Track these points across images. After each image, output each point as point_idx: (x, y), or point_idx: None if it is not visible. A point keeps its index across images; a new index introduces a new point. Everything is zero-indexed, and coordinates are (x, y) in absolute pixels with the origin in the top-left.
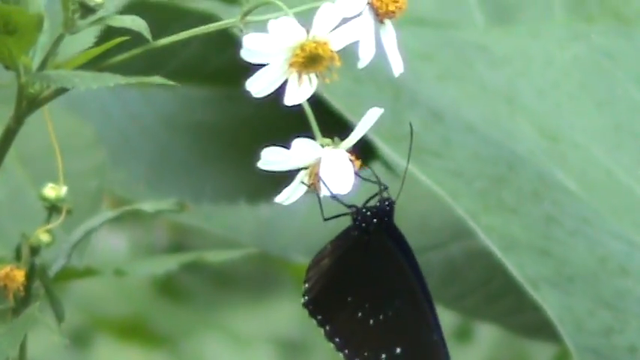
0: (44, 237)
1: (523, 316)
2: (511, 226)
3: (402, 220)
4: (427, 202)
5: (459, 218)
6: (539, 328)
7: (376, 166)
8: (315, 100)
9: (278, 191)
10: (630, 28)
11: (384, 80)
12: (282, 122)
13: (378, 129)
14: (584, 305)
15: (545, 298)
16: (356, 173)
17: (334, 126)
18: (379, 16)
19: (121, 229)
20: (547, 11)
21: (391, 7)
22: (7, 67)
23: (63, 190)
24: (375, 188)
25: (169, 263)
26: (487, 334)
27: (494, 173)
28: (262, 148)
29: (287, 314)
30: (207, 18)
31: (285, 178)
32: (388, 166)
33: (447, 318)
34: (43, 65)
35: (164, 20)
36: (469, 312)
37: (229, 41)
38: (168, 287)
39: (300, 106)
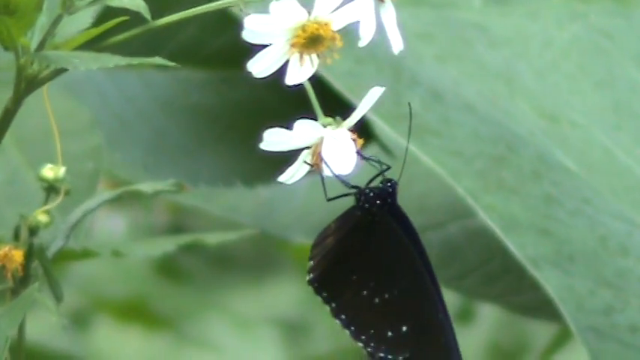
0: (42, 217)
1: (522, 296)
2: (511, 206)
3: (401, 199)
4: (426, 182)
5: (458, 198)
6: (539, 307)
7: (373, 148)
8: (315, 81)
9: (275, 173)
10: (628, 7)
11: (384, 60)
12: (279, 105)
13: (378, 109)
14: (585, 284)
15: (545, 278)
16: (358, 153)
17: (334, 106)
18: None
19: (121, 211)
20: None
21: None
22: (5, 48)
23: (61, 170)
24: (376, 169)
25: (167, 245)
26: (489, 314)
27: (495, 153)
28: (260, 130)
29: (287, 295)
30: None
31: (282, 161)
32: (385, 147)
33: (448, 299)
34: (41, 46)
35: (163, 1)
36: (468, 292)
37: (227, 24)
38: (168, 268)
39: (298, 87)
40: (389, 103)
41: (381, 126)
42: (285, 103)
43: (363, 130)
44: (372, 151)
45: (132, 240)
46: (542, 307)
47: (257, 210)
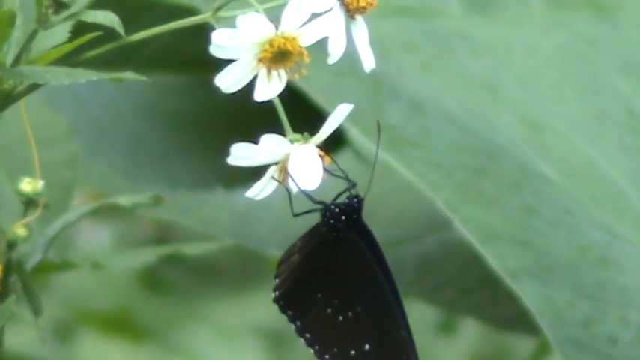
0: (21, 231)
1: (498, 308)
2: (490, 218)
3: (377, 212)
4: (402, 195)
5: (434, 210)
6: (515, 319)
7: (347, 156)
8: (294, 93)
9: (255, 178)
10: (612, 16)
11: (364, 72)
12: (257, 109)
13: (358, 121)
14: (564, 296)
15: (524, 290)
16: (325, 169)
17: (315, 118)
18: (350, 11)
19: (104, 223)
20: (525, 2)
21: (362, 3)
22: None
23: (39, 184)
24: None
25: (147, 256)
26: (471, 326)
27: (474, 164)
28: (238, 135)
29: (270, 305)
30: (178, 10)
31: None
32: (360, 155)
33: (429, 311)
34: (17, 61)
35: (136, 12)
36: (444, 304)
37: (202, 29)
38: (152, 280)
39: (268, 102)
40: (368, 114)
41: (354, 133)
42: (264, 107)
43: (337, 136)
44: (346, 158)
45: (115, 252)
46: (519, 319)
47: (234, 223)
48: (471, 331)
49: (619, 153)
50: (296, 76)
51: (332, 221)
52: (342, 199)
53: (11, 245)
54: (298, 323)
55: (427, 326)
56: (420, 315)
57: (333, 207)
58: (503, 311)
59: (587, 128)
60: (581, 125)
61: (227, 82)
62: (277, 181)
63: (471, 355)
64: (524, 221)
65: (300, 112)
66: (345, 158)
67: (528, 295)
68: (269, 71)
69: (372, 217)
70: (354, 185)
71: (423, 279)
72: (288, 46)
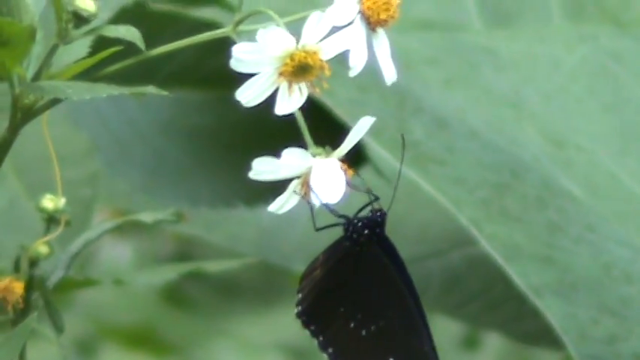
0: (43, 249)
1: (524, 324)
2: (514, 235)
3: (403, 228)
4: (428, 210)
5: (459, 226)
6: (541, 335)
7: (368, 172)
8: (315, 107)
9: (276, 194)
10: (637, 29)
11: (388, 88)
12: (279, 124)
13: (380, 136)
14: (588, 313)
15: (548, 307)
16: (347, 183)
17: (336, 132)
18: (371, 24)
19: (126, 239)
20: (545, 17)
21: (383, 16)
22: (0, 79)
23: (61, 201)
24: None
25: (169, 273)
26: (494, 342)
27: (498, 181)
28: (259, 151)
29: (294, 321)
30: (200, 24)
31: (283, 181)
32: (380, 171)
33: (453, 326)
34: (37, 76)
35: (158, 26)
36: (470, 319)
37: (224, 44)
38: (175, 296)
39: (289, 116)
40: (391, 129)
41: (376, 148)
42: (286, 121)
43: (356, 153)
44: (366, 173)
45: (137, 268)
46: (544, 334)
47: (258, 238)
48: (495, 346)
49: None
50: (317, 89)
51: (355, 235)
52: (365, 213)
53: (33, 262)
54: (321, 338)
55: (452, 341)
56: (444, 330)
57: (355, 221)
58: (529, 327)
59: (612, 144)
60: (606, 141)
61: (248, 96)
62: (299, 195)
63: None
64: (548, 238)
65: (322, 127)
66: (365, 174)
67: (552, 311)
68: (290, 85)
69: (397, 233)
70: (376, 199)
71: (448, 294)
72: (309, 60)
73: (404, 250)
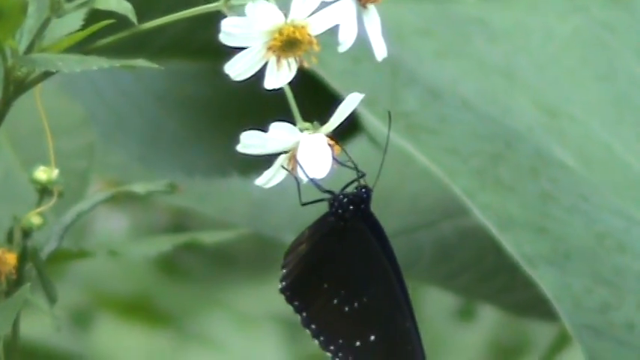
0: (35, 220)
1: (516, 294)
2: (508, 204)
3: (394, 198)
4: (419, 182)
5: (450, 196)
6: (532, 305)
7: (363, 141)
8: (308, 80)
9: (270, 164)
10: (628, 0)
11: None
12: (273, 95)
13: (374, 107)
14: (582, 282)
15: (542, 276)
16: (334, 158)
17: (329, 105)
18: (361, 0)
19: (121, 210)
20: None
21: None
22: None
23: (54, 172)
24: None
25: (164, 244)
26: (489, 313)
27: (491, 150)
28: (254, 121)
29: None
30: None
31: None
32: (375, 141)
33: (447, 298)
34: (29, 49)
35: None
36: (462, 291)
37: (216, 16)
38: (170, 266)
39: (278, 90)
40: (384, 100)
41: (370, 119)
42: (279, 93)
43: (352, 122)
44: (361, 143)
45: (131, 239)
46: (536, 305)
47: (250, 210)
48: (488, 317)
49: (637, 139)
50: (306, 64)
51: (340, 211)
52: (352, 189)
53: (26, 233)
54: (304, 314)
55: (445, 313)
56: (437, 302)
57: (341, 197)
58: (522, 297)
59: (605, 114)
60: (599, 111)
61: (237, 70)
62: (287, 169)
63: (489, 342)
64: (541, 208)
65: (314, 100)
66: (360, 144)
67: (546, 281)
68: (279, 59)
69: (389, 204)
70: (362, 175)
71: (440, 265)
72: (298, 35)
73: (396, 222)
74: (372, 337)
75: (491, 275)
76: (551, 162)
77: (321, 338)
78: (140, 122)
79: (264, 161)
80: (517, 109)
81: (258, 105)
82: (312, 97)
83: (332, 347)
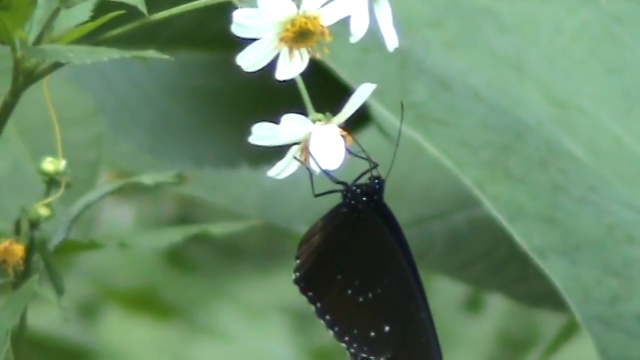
0: (43, 211)
1: (528, 285)
2: (517, 195)
3: (406, 189)
4: (431, 172)
5: (462, 188)
6: (544, 296)
7: (373, 132)
8: (319, 71)
9: (281, 156)
10: None
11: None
12: (284, 86)
13: (383, 98)
14: (591, 274)
15: (551, 268)
16: (347, 149)
17: (340, 96)
18: None
19: (128, 202)
20: None
21: None
22: (2, 42)
23: (62, 163)
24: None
25: (173, 236)
26: (498, 303)
27: (501, 142)
28: (264, 112)
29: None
30: None
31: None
32: (384, 132)
33: (457, 288)
34: (39, 39)
35: None
36: (474, 281)
37: (227, 6)
38: (178, 258)
39: (289, 81)
40: (394, 91)
41: (379, 110)
42: (290, 84)
43: (362, 113)
44: (371, 134)
45: (139, 230)
46: (547, 296)
47: (261, 201)
48: (498, 308)
49: None
50: (318, 55)
51: (353, 202)
52: (364, 180)
53: (33, 225)
54: (319, 305)
55: (455, 303)
56: (448, 292)
57: (354, 187)
58: (533, 288)
59: (614, 106)
60: (608, 103)
61: (248, 61)
62: (299, 160)
63: (499, 332)
64: (551, 199)
65: (326, 91)
66: (370, 135)
67: (555, 272)
68: (291, 50)
69: (401, 194)
70: (375, 166)
71: (451, 256)
72: (310, 26)
73: (407, 212)
74: (387, 328)
75: (502, 266)
76: (561, 153)
77: (336, 329)
78: (150, 113)
79: (275, 152)
80: (527, 101)
81: (269, 96)
82: (324, 88)
83: (347, 338)
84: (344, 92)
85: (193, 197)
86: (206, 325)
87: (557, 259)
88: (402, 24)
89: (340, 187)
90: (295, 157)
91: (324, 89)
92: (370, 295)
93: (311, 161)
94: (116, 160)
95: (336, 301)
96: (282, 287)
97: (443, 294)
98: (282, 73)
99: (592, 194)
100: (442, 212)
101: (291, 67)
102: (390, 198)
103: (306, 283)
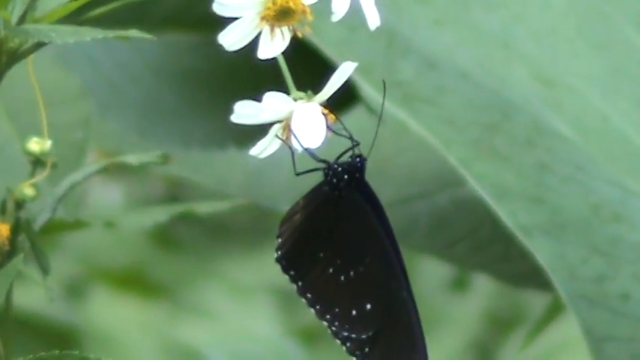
0: (28, 191)
1: (511, 264)
2: (503, 174)
3: (391, 169)
4: (415, 151)
5: (447, 167)
6: (528, 275)
7: (360, 111)
8: (303, 49)
9: (265, 135)
10: None
11: (378, 27)
12: (270, 65)
13: (370, 76)
14: (577, 253)
15: (537, 246)
16: (329, 127)
17: (325, 73)
18: None
19: (116, 181)
20: None
21: None
22: None
23: (47, 144)
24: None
25: (159, 215)
26: (484, 283)
27: (488, 121)
28: (250, 92)
29: None
30: None
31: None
32: (372, 110)
33: (442, 268)
34: (22, 19)
35: None
36: (458, 260)
37: None
38: (165, 237)
39: (272, 60)
40: (380, 70)
41: (366, 88)
42: (277, 64)
43: (349, 91)
44: (359, 112)
45: (126, 210)
46: (532, 275)
47: (246, 180)
48: (484, 287)
49: (634, 109)
50: (299, 34)
51: (334, 180)
52: (346, 159)
53: (19, 205)
54: (300, 283)
55: (440, 283)
56: (433, 272)
57: (335, 166)
58: (517, 267)
59: (602, 84)
60: (596, 81)
61: (230, 39)
62: (281, 139)
63: (484, 312)
64: (537, 178)
65: (310, 70)
66: (358, 113)
67: (541, 251)
68: (272, 29)
69: (386, 174)
70: (357, 144)
71: (436, 235)
72: (291, 4)
73: (392, 192)
74: (369, 307)
75: (487, 245)
76: (548, 132)
77: (317, 307)
78: (137, 94)
79: (261, 132)
80: (514, 79)
81: (256, 76)
82: (307, 67)
83: (328, 316)
84: (328, 71)
85: (181, 177)
86: (193, 304)
87: (542, 238)
88: (389, 0)
89: (322, 165)
90: (277, 136)
91: (308, 68)
92: (352, 273)
93: (293, 140)
94: (103, 141)
95: (318, 280)
96: (269, 266)
97: (428, 274)
98: (263, 52)
99: (578, 173)
100: (427, 192)
101: (273, 46)
102: (375, 177)
103: (288, 261)
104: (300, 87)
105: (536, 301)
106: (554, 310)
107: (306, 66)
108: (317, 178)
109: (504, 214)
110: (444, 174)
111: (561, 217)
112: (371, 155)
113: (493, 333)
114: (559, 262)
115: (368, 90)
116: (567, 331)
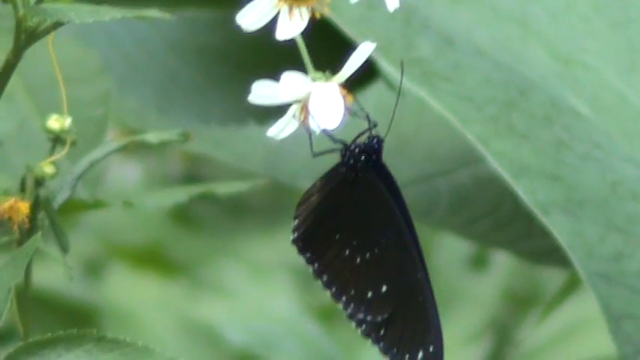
0: (48, 169)
1: (532, 242)
2: (522, 152)
3: (411, 147)
4: (436, 129)
5: (467, 144)
6: (549, 253)
7: (380, 87)
8: (323, 29)
9: (284, 113)
10: None
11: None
12: (289, 43)
13: (389, 54)
14: (595, 230)
15: (555, 224)
16: (346, 108)
17: (344, 53)
18: None
19: (136, 160)
20: None
21: None
22: (4, 1)
23: (67, 121)
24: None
25: (178, 195)
26: (503, 261)
27: (506, 98)
28: (269, 69)
29: None
30: None
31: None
32: (392, 87)
33: (462, 245)
34: None
35: None
36: (479, 238)
37: None
38: (183, 215)
39: (290, 41)
40: (399, 47)
41: (385, 66)
42: (294, 42)
43: (369, 68)
44: (379, 89)
45: (146, 189)
46: (552, 253)
47: (267, 157)
48: (503, 265)
49: None
50: (317, 14)
51: (351, 161)
52: (364, 139)
53: (39, 182)
54: (316, 265)
55: (460, 261)
56: (453, 249)
57: (352, 147)
58: (537, 245)
59: (619, 61)
60: (613, 58)
61: (248, 20)
62: (298, 119)
63: (503, 289)
64: (555, 155)
65: (328, 49)
66: (378, 90)
67: (559, 229)
68: (291, 9)
69: (406, 152)
70: (375, 125)
71: (457, 213)
72: None
73: (412, 170)
74: (384, 288)
75: (508, 223)
76: (565, 110)
77: (333, 289)
78: (156, 71)
79: (280, 109)
80: (531, 57)
81: (275, 53)
82: (326, 47)
83: (344, 298)
84: (347, 50)
85: (200, 154)
86: (211, 283)
87: (560, 215)
88: None
89: (339, 146)
90: (294, 116)
91: (326, 48)
92: (368, 255)
93: (310, 120)
94: (122, 118)
95: (334, 262)
96: (287, 245)
97: (448, 251)
98: (281, 33)
99: (596, 150)
100: (447, 169)
101: (291, 27)
102: (395, 156)
103: (304, 243)
104: (318, 66)
105: (555, 279)
106: (570, 286)
107: (324, 44)
108: (337, 154)
109: (522, 191)
110: (464, 151)
111: (579, 195)
112: (391, 133)
113: (512, 310)
114: (577, 240)
115: (387, 67)
116: (586, 309)
